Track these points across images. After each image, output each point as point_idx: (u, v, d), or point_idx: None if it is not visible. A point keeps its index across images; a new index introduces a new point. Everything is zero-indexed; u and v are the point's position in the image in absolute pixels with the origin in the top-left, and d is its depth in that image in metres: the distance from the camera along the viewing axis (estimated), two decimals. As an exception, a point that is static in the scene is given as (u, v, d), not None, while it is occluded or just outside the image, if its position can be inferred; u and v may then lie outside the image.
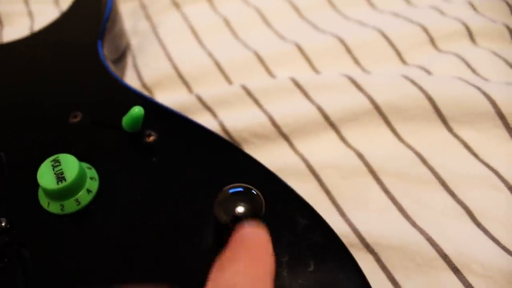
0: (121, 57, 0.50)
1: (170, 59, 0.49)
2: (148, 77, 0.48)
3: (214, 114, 0.43)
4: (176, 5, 0.55)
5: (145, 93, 0.47)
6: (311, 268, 0.27)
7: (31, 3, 0.59)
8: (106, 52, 0.42)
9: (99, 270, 0.28)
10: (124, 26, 0.53)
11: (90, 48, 0.42)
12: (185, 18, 0.53)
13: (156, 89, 0.47)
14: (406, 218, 0.35)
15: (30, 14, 0.57)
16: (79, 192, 0.30)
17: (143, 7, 0.57)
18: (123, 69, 0.50)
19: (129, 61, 0.51)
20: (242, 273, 0.21)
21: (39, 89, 0.39)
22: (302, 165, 0.39)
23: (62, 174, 0.29)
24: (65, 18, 0.46)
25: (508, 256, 0.32)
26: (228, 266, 0.21)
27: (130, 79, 0.49)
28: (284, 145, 0.41)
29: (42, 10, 0.58)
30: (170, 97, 0.46)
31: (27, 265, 0.28)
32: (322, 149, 0.40)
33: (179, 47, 0.50)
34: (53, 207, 0.30)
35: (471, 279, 0.32)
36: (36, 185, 0.30)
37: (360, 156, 0.39)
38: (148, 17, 0.55)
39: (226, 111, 0.43)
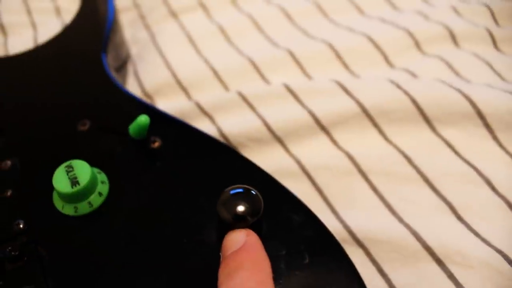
0: (122, 65, 0.51)
1: (169, 66, 0.51)
2: (148, 85, 0.49)
3: (212, 120, 0.45)
4: (174, 15, 0.57)
5: (146, 100, 0.49)
6: (306, 261, 0.29)
7: (34, 14, 0.60)
8: (109, 61, 0.44)
9: (111, 267, 0.30)
10: (124, 36, 0.55)
11: (95, 58, 0.43)
12: (182, 27, 0.55)
13: (157, 96, 0.49)
14: (393, 214, 0.37)
15: (33, 25, 0.59)
16: (92, 195, 0.32)
17: (142, 17, 0.58)
18: (125, 77, 0.51)
19: (130, 69, 0.52)
20: (250, 279, 0.24)
21: (48, 99, 0.41)
22: (296, 167, 0.41)
23: (76, 179, 0.31)
24: (69, 30, 0.48)
25: (487, 247, 0.34)
26: (235, 275, 0.24)
27: (132, 87, 0.50)
28: (278, 148, 0.42)
29: (44, 21, 0.59)
30: (170, 103, 0.48)
31: (45, 263, 0.30)
32: (314, 151, 0.42)
33: (177, 55, 0.52)
34: (68, 209, 0.32)
35: (452, 269, 0.33)
36: (51, 189, 0.32)
37: (350, 157, 0.40)
38: (147, 27, 0.57)
39: (224, 117, 0.45)
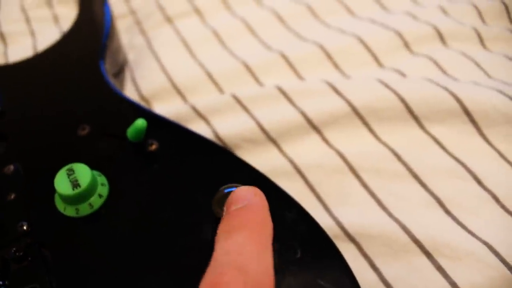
0: (120, 71, 0.52)
1: (164, 71, 0.52)
2: (145, 89, 0.50)
3: (207, 122, 0.46)
4: (169, 20, 0.58)
5: (143, 104, 0.50)
6: (298, 256, 0.30)
7: (33, 23, 0.61)
8: (107, 67, 0.45)
9: (112, 266, 0.31)
10: (121, 42, 0.56)
11: (93, 65, 0.44)
12: (178, 32, 0.56)
13: (154, 100, 0.50)
14: (383, 210, 0.38)
15: (32, 33, 0.60)
16: (92, 196, 0.33)
17: (138, 23, 0.60)
18: (122, 82, 0.52)
19: (127, 74, 0.53)
20: (248, 238, 0.23)
21: (48, 105, 0.42)
22: (289, 166, 0.42)
23: (77, 181, 0.32)
24: (67, 37, 0.49)
25: (475, 240, 0.35)
26: (235, 233, 0.24)
27: (129, 92, 0.51)
28: (272, 148, 0.43)
29: (43, 29, 0.60)
30: (166, 107, 0.49)
31: (48, 263, 0.32)
32: (307, 150, 0.43)
33: (173, 59, 0.53)
34: (69, 211, 0.33)
35: (441, 261, 0.34)
36: (52, 191, 0.34)
37: (341, 156, 0.41)
38: (143, 32, 0.58)
39: (219, 119, 0.45)
